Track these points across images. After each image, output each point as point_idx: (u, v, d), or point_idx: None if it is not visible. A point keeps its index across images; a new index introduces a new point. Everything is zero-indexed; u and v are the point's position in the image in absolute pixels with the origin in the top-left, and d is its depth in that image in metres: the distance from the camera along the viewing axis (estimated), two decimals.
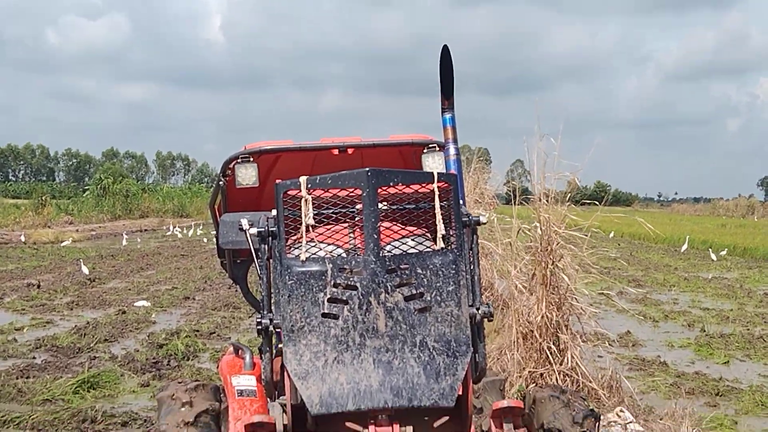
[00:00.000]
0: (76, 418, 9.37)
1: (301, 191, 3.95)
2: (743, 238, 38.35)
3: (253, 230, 4.08)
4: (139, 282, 22.80)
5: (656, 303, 19.34)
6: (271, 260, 4.06)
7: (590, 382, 9.28)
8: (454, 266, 3.88)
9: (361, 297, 3.74)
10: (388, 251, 3.88)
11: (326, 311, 3.78)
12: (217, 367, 6.17)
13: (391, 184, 3.96)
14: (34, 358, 12.73)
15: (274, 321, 3.92)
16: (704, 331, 15.50)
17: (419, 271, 3.82)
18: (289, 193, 3.99)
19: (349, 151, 5.44)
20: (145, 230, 52.57)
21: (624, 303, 19.11)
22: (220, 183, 5.48)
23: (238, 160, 5.22)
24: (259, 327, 3.95)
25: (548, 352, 9.40)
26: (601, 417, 8.55)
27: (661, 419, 8.61)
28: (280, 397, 4.45)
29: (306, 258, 3.88)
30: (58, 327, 15.72)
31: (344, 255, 3.91)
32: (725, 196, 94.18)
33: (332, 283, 3.79)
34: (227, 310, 17.68)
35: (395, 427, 3.67)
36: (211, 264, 27.70)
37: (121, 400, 10.50)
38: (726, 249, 33.13)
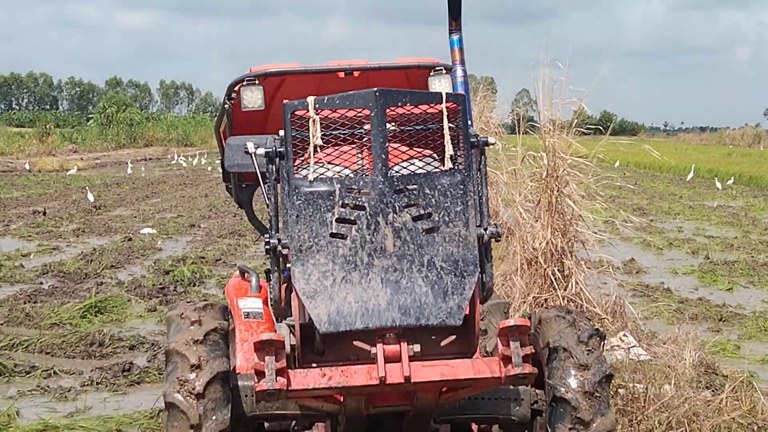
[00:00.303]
0: (83, 342, 9.48)
1: (309, 111, 3.93)
2: (749, 167, 38.25)
3: (261, 151, 4.07)
4: (144, 210, 22.86)
5: (661, 231, 19.37)
6: (278, 181, 4.05)
7: (594, 307, 9.31)
8: (462, 187, 3.88)
9: (369, 217, 3.75)
10: (396, 171, 3.89)
11: (334, 231, 3.79)
12: (224, 291, 6.22)
13: (400, 104, 3.93)
14: (41, 283, 12.83)
15: (283, 241, 3.92)
16: (708, 258, 15.54)
17: (427, 191, 3.83)
18: (296, 113, 3.96)
19: (355, 74, 5.39)
20: (150, 159, 52.57)
21: (628, 231, 19.14)
22: (226, 106, 5.45)
23: (244, 83, 5.21)
24: (267, 247, 3.95)
25: (552, 278, 9.42)
26: (605, 340, 8.63)
27: (664, 344, 8.65)
28: (287, 318, 4.47)
29: (314, 178, 3.87)
30: (65, 253, 15.81)
31: (352, 175, 3.90)
32: (732, 126, 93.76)
33: (340, 203, 3.80)
34: (232, 237, 17.75)
35: (403, 346, 3.70)
36: (216, 192, 27.73)
37: (128, 324, 10.60)
38: (732, 178, 33.04)
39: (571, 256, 9.61)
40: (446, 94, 4.01)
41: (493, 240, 4.03)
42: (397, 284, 3.68)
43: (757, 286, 13.22)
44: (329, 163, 3.97)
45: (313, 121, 3.92)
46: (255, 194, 6.27)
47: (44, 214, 21.19)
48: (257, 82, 5.14)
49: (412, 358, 3.71)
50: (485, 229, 3.98)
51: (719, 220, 21.65)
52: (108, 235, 18.10)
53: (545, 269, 9.47)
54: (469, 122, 4.15)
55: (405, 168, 3.93)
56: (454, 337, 3.94)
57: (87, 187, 26.17)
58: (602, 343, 4.38)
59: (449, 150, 3.92)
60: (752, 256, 15.90)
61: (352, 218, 3.78)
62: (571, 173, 9.62)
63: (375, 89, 3.85)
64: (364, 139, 3.99)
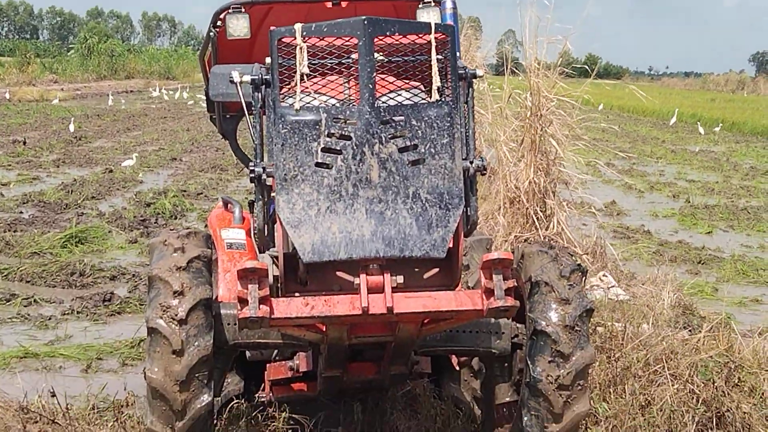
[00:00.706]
0: (64, 271, 9.46)
1: (296, 39, 3.87)
2: (732, 112, 38.32)
3: (247, 78, 4.00)
4: (125, 142, 22.70)
5: (642, 174, 19.43)
6: (264, 110, 4.01)
7: (575, 247, 9.35)
8: (449, 119, 3.83)
9: (354, 147, 3.72)
10: (383, 102, 3.86)
11: (320, 161, 3.75)
12: (207, 221, 6.20)
13: (388, 33, 3.86)
14: (21, 212, 12.75)
15: (267, 170, 3.90)
16: (689, 202, 15.64)
17: (414, 123, 3.79)
18: (283, 40, 3.89)
19: (343, 4, 5.29)
20: (131, 91, 52.04)
21: (610, 173, 19.19)
22: (211, 34, 5.36)
23: (230, 11, 5.14)
24: (252, 175, 3.93)
25: (534, 217, 9.45)
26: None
27: (643, 284, 8.73)
28: (270, 249, 4.45)
29: (300, 107, 3.81)
30: (45, 183, 15.71)
31: (338, 105, 3.85)
32: (716, 72, 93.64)
33: (326, 132, 3.75)
34: (214, 171, 17.68)
35: (386, 277, 3.69)
36: (197, 126, 27.56)
37: (109, 255, 10.58)
38: (720, 124, 32.96)
39: (554, 195, 9.64)
40: (435, 24, 3.96)
41: (478, 173, 4.01)
42: (382, 215, 3.67)
43: (736, 230, 13.33)
44: (316, 92, 3.92)
45: (300, 48, 3.85)
46: (239, 126, 6.23)
47: (24, 143, 21.00)
48: (243, 10, 5.05)
49: (395, 289, 3.70)
50: (471, 162, 3.96)
51: (701, 164, 21.74)
52: (89, 167, 17.98)
53: (527, 208, 9.50)
54: (458, 54, 4.11)
55: (392, 99, 3.89)
56: (437, 269, 3.94)
57: (72, 118, 25.78)
58: (584, 278, 4.39)
59: (437, 81, 3.87)
60: (732, 201, 16.00)
61: (338, 148, 3.74)
62: (555, 113, 9.60)
63: (363, 17, 3.78)
64: (351, 69, 3.94)
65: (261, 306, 3.60)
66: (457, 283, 4.04)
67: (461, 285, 4.46)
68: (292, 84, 3.88)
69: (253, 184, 4.03)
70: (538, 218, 9.43)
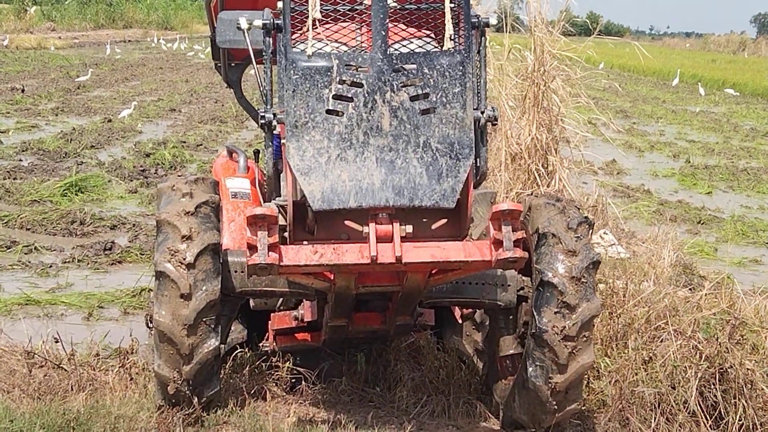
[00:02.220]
0: (64, 219, 9.44)
1: None
2: (733, 73, 38.13)
3: (258, 22, 3.95)
4: (124, 92, 22.55)
5: (643, 134, 19.39)
6: (274, 56, 3.96)
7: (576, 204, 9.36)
8: (461, 68, 3.82)
9: (366, 95, 3.71)
10: (395, 50, 3.83)
11: (330, 108, 3.74)
12: (211, 169, 6.18)
13: None
14: (20, 160, 12.71)
15: (278, 116, 3.89)
16: (689, 162, 15.61)
17: (426, 71, 3.77)
18: None
19: None
20: (129, 41, 51.57)
21: (610, 133, 19.13)
22: None
23: None
24: (263, 121, 3.93)
25: (536, 174, 9.43)
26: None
27: (643, 243, 8.74)
28: (276, 198, 4.44)
29: (312, 53, 3.80)
30: (44, 132, 15.64)
31: (350, 52, 3.84)
32: (717, 32, 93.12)
33: (338, 79, 3.74)
34: (214, 123, 17.59)
35: (395, 226, 3.71)
36: (196, 78, 27.39)
37: (109, 204, 10.55)
38: (732, 88, 32.53)
39: (556, 152, 9.61)
40: None
41: (489, 123, 3.99)
42: (392, 164, 3.68)
43: (736, 191, 13.33)
44: (328, 38, 3.89)
45: None
46: (244, 74, 6.20)
47: (23, 91, 20.85)
48: None
49: (403, 239, 3.73)
50: (482, 113, 3.99)
51: (701, 125, 21.68)
52: (87, 116, 17.89)
53: (529, 165, 9.48)
54: (470, 3, 4.07)
55: (404, 47, 3.85)
56: (446, 219, 3.94)
57: (90, 70, 25.22)
58: (590, 231, 4.41)
59: (449, 30, 3.85)
60: (732, 162, 15.99)
61: (349, 95, 3.74)
62: (558, 68, 9.55)
63: None
64: (363, 15, 3.89)
65: (270, 253, 3.60)
66: (466, 233, 4.06)
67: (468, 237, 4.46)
68: (304, 30, 3.84)
69: (263, 130, 4.02)
70: (539, 175, 9.40)
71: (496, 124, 4.19)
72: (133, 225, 9.52)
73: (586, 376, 4.76)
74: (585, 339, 4.26)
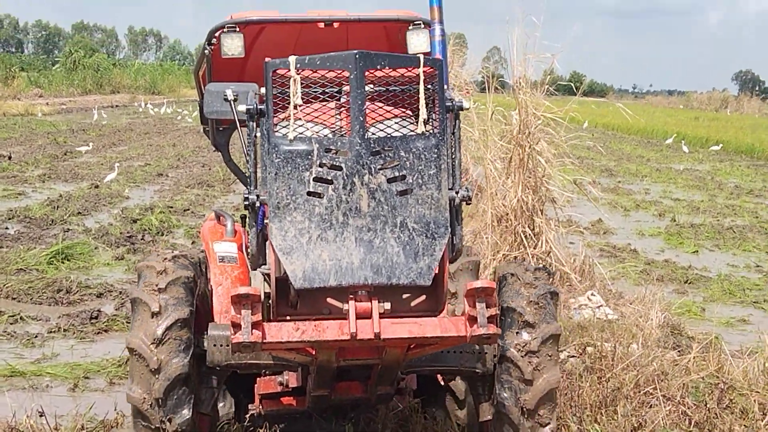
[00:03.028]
0: (50, 288, 9.40)
1: (290, 71, 3.93)
2: (716, 131, 38.49)
3: (242, 107, 4.08)
4: (111, 157, 22.60)
5: (628, 192, 19.50)
6: (257, 138, 4.09)
7: (563, 266, 9.38)
8: (436, 150, 3.96)
9: (345, 177, 3.85)
10: (373, 133, 3.93)
11: (311, 190, 3.87)
12: (199, 233, 6.22)
13: (378, 66, 3.96)
14: (6, 228, 12.68)
15: (261, 197, 4.02)
16: (675, 220, 15.68)
17: (402, 154, 3.92)
18: (278, 72, 3.98)
19: (335, 25, 5.38)
20: (117, 106, 51.93)
21: (596, 192, 19.23)
22: (206, 51, 5.41)
23: (224, 30, 5.19)
24: (246, 202, 4.05)
25: (523, 236, 9.46)
26: (573, 299, 8.70)
27: (630, 304, 8.74)
28: (262, 267, 4.48)
29: (293, 137, 3.92)
30: (31, 199, 15.64)
31: (330, 136, 3.98)
32: (699, 90, 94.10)
33: (318, 162, 3.88)
34: (201, 187, 17.64)
35: (374, 303, 3.79)
36: (183, 142, 27.52)
37: (95, 272, 10.52)
38: (721, 144, 32.74)
39: (542, 214, 9.65)
40: (424, 58, 4.06)
41: (463, 203, 4.12)
42: (371, 244, 3.80)
43: (723, 249, 13.37)
44: (308, 121, 4.01)
45: (294, 80, 3.94)
46: (232, 138, 6.27)
47: (9, 158, 20.90)
48: (238, 29, 5.15)
49: (382, 315, 3.79)
50: (457, 192, 4.07)
51: (686, 183, 21.82)
52: (74, 182, 17.92)
53: (515, 226, 9.51)
54: (446, 86, 4.15)
55: (382, 130, 3.98)
56: (423, 296, 4.05)
57: (91, 142, 25.20)
58: (554, 302, 4.47)
59: (423, 114, 3.98)
60: (718, 220, 16.07)
61: (329, 178, 3.86)
62: (543, 130, 9.63)
63: (355, 52, 3.87)
64: (342, 100, 4.03)
65: (253, 331, 3.64)
66: (443, 308, 4.12)
67: (448, 311, 4.50)
68: (286, 114, 3.95)
69: (247, 211, 4.11)
70: (526, 236, 9.44)
71: (470, 204, 4.34)
72: (120, 292, 9.48)
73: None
74: (549, 357, 4.37)
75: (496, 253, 9.52)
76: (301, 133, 3.93)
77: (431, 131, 4.00)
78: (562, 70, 10.49)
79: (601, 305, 8.55)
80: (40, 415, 5.49)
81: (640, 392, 5.50)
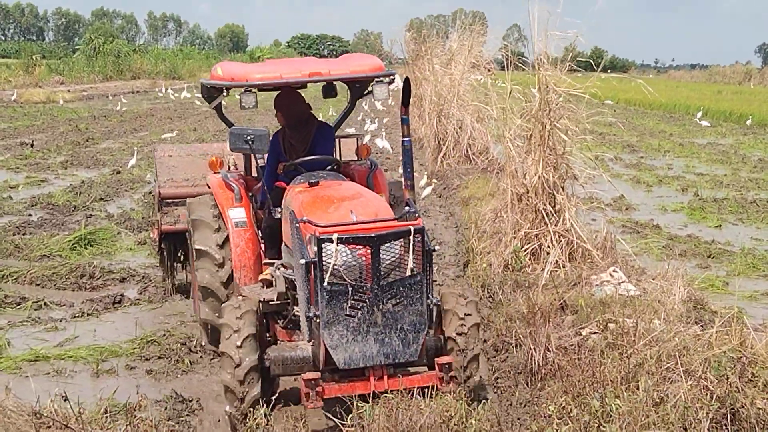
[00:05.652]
0: (74, 273, 9.47)
1: (332, 243, 5.76)
2: (739, 104, 38.15)
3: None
4: (132, 143, 22.70)
5: (650, 168, 19.36)
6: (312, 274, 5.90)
7: (584, 243, 9.32)
8: (420, 283, 5.98)
9: (368, 306, 5.86)
10: (384, 279, 5.87)
11: (348, 313, 5.83)
12: (208, 184, 7.76)
13: (389, 242, 5.88)
14: (30, 215, 12.78)
15: (316, 314, 5.84)
16: (698, 195, 15.56)
17: (401, 288, 5.94)
18: (324, 243, 5.77)
19: (309, 86, 7.79)
20: (137, 92, 52.07)
21: (618, 168, 19.13)
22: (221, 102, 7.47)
23: (243, 91, 6.80)
24: (309, 314, 5.91)
25: (544, 213, 9.41)
26: (595, 276, 8.65)
27: (653, 279, 8.66)
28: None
29: (332, 281, 5.84)
30: (53, 185, 15.75)
31: (359, 281, 5.84)
32: (722, 63, 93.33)
33: (352, 298, 5.82)
34: None
35: (384, 370, 5.93)
36: (204, 126, 27.56)
37: (118, 257, 10.59)
38: (750, 117, 32.38)
39: (563, 191, 9.59)
40: (414, 228, 5.91)
41: (434, 307, 6.20)
42: (383, 341, 5.92)
43: (746, 223, 13.27)
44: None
45: (336, 251, 5.77)
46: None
47: (32, 146, 21.03)
48: (253, 90, 6.81)
49: (389, 376, 5.97)
50: (431, 302, 6.13)
51: (709, 157, 21.64)
52: (96, 168, 18.01)
53: (536, 204, 9.45)
54: (427, 241, 6.03)
55: (388, 274, 5.92)
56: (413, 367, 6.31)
57: (135, 149, 25.27)
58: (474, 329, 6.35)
59: (410, 263, 5.91)
60: (741, 194, 15.93)
61: (359, 306, 5.84)
62: (564, 107, 9.55)
63: (374, 234, 5.81)
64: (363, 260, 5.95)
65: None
66: (423, 358, 6.19)
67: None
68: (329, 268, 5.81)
69: (307, 322, 6.00)
70: (547, 214, 9.39)
71: (438, 307, 6.30)
72: (143, 277, 9.54)
73: (596, 420, 4.75)
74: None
75: (517, 231, 9.49)
76: (340, 278, 5.81)
77: (416, 272, 5.92)
78: (583, 46, 10.34)
79: (623, 281, 8.50)
80: (64, 400, 5.52)
81: (661, 367, 5.46)
